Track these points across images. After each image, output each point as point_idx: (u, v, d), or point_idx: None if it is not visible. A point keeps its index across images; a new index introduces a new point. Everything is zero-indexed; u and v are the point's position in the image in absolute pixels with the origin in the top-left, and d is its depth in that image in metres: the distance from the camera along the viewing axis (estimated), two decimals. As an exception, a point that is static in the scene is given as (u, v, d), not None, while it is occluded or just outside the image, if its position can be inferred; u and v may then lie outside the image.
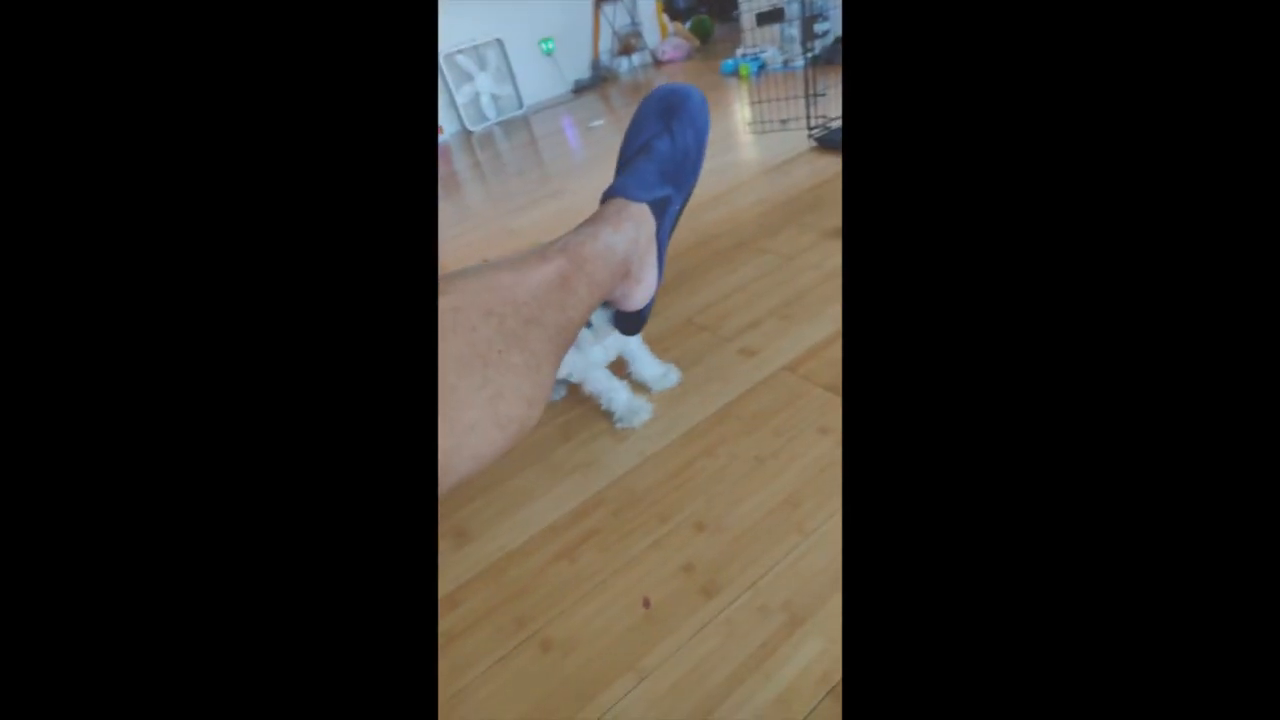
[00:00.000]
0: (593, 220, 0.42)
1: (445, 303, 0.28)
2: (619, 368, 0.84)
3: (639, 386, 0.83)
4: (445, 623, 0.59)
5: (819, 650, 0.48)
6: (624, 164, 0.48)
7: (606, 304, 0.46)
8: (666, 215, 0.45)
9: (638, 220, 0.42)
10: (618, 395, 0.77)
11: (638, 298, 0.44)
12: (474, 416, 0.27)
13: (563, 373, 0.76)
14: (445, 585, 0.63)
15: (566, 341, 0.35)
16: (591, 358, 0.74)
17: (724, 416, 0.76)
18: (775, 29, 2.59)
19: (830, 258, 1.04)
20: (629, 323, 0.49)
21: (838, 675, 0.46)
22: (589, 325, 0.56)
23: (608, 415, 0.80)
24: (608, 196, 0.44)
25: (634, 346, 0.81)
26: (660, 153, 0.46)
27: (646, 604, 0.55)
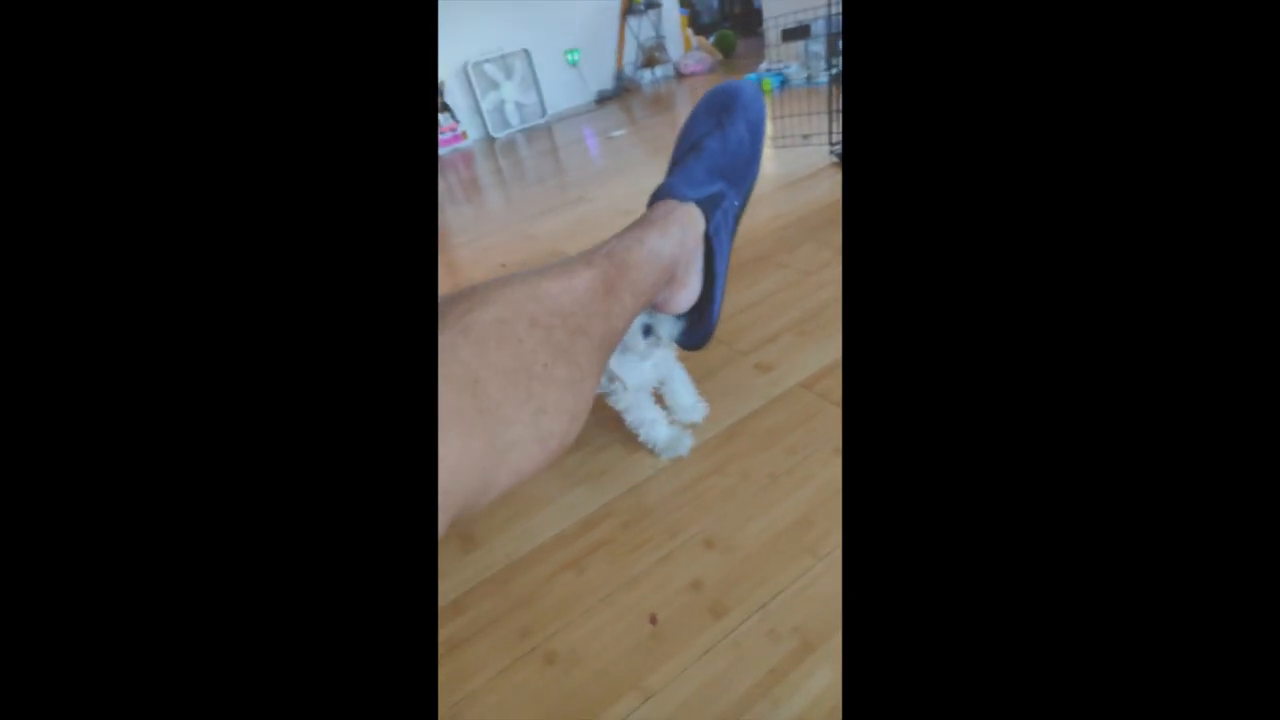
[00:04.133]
0: (639, 224, 0.41)
1: (490, 314, 0.28)
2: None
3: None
4: (449, 630, 0.58)
5: (830, 680, 0.47)
6: (674, 165, 0.47)
7: (652, 308, 0.45)
8: (721, 210, 0.43)
9: (685, 222, 0.41)
10: (658, 429, 0.72)
11: (681, 300, 0.43)
12: (517, 433, 0.26)
13: (621, 405, 0.70)
14: (450, 591, 0.62)
15: (609, 352, 0.34)
16: (643, 376, 0.68)
17: (737, 432, 0.75)
18: (799, 45, 2.59)
19: (849, 275, 1.03)
20: (693, 337, 0.48)
21: (848, 705, 0.45)
22: (649, 334, 0.53)
23: (647, 446, 0.74)
24: (655, 199, 0.43)
25: (677, 369, 0.75)
26: (710, 150, 0.45)
27: (653, 621, 0.54)
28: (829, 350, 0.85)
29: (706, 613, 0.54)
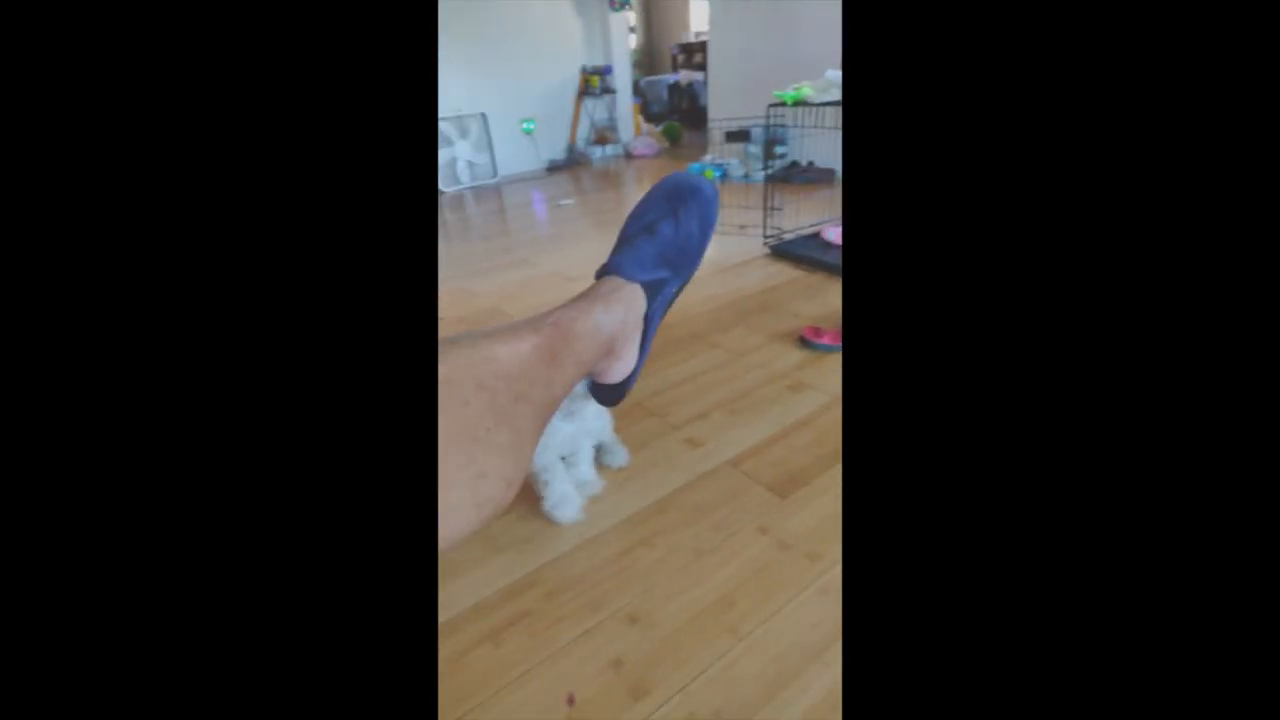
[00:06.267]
0: (585, 296, 0.42)
1: (439, 374, 0.28)
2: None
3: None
4: (346, 710, 0.53)
5: (746, 764, 0.47)
6: (624, 240, 0.48)
7: (589, 377, 0.47)
8: (660, 296, 0.46)
9: (629, 301, 0.43)
10: (555, 483, 0.73)
11: (616, 372, 0.45)
12: (455, 497, 0.26)
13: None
14: (352, 666, 0.58)
15: (548, 418, 0.35)
16: (556, 437, 0.70)
17: (665, 506, 0.76)
18: (740, 145, 2.84)
19: (778, 359, 1.10)
20: (609, 395, 0.49)
21: (763, 792, 0.45)
22: None
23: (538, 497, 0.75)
24: (603, 273, 0.45)
25: (587, 445, 0.78)
26: (663, 236, 0.47)
27: (570, 701, 0.53)
28: (756, 431, 0.89)
29: (626, 693, 0.53)
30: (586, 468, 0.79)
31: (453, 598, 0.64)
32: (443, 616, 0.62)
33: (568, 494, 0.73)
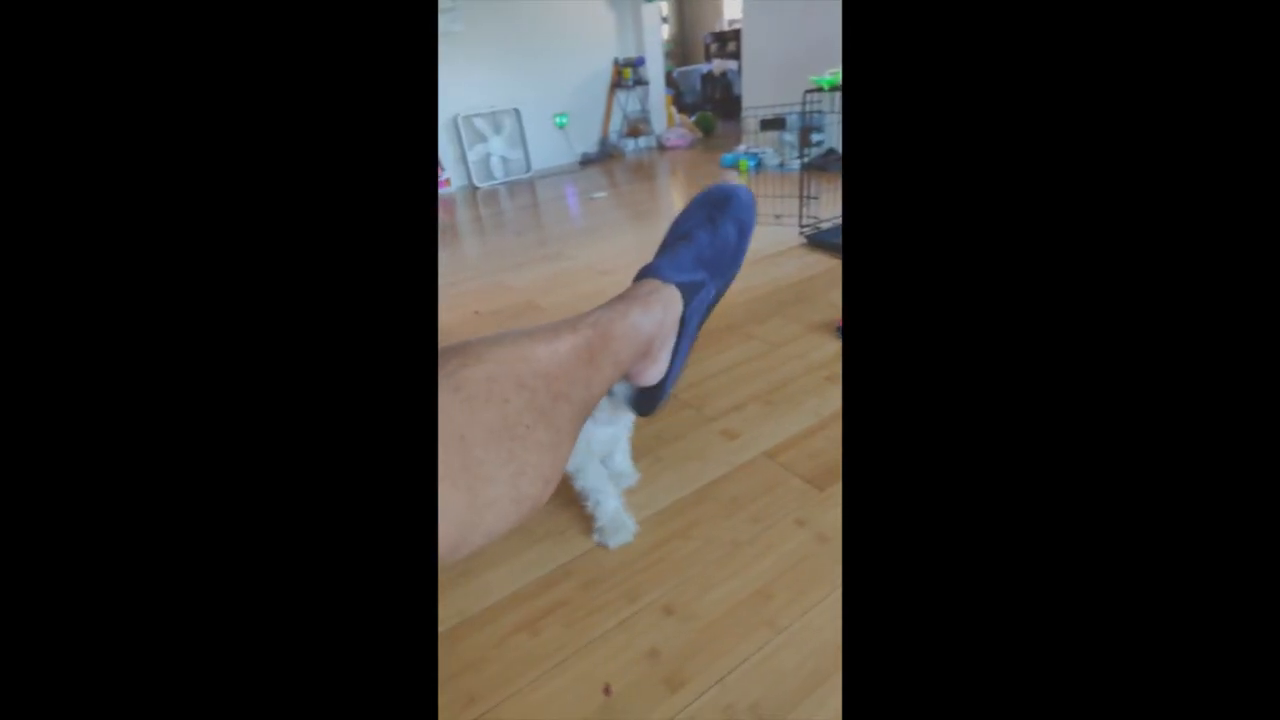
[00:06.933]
0: (623, 298, 0.42)
1: (480, 371, 0.28)
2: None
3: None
4: (389, 692, 0.55)
5: (785, 759, 0.46)
6: (664, 247, 0.49)
7: (625, 378, 0.47)
8: (699, 299, 0.46)
9: (666, 302, 0.43)
10: (607, 503, 0.70)
11: (652, 374, 0.45)
12: (495, 493, 0.27)
13: (571, 466, 0.68)
14: (394, 649, 0.59)
15: (585, 418, 0.35)
16: (594, 442, 0.67)
17: (701, 497, 0.75)
18: (774, 134, 2.79)
19: (815, 350, 1.07)
20: (646, 402, 0.49)
21: (803, 789, 0.44)
22: (609, 393, 0.54)
23: (590, 520, 0.72)
24: (642, 276, 0.45)
25: (624, 441, 0.76)
26: (700, 241, 0.48)
27: (607, 692, 0.53)
28: (793, 423, 0.87)
29: (663, 684, 0.53)
30: (623, 459, 0.78)
31: (489, 587, 0.65)
32: (479, 605, 0.63)
33: (620, 518, 0.70)
